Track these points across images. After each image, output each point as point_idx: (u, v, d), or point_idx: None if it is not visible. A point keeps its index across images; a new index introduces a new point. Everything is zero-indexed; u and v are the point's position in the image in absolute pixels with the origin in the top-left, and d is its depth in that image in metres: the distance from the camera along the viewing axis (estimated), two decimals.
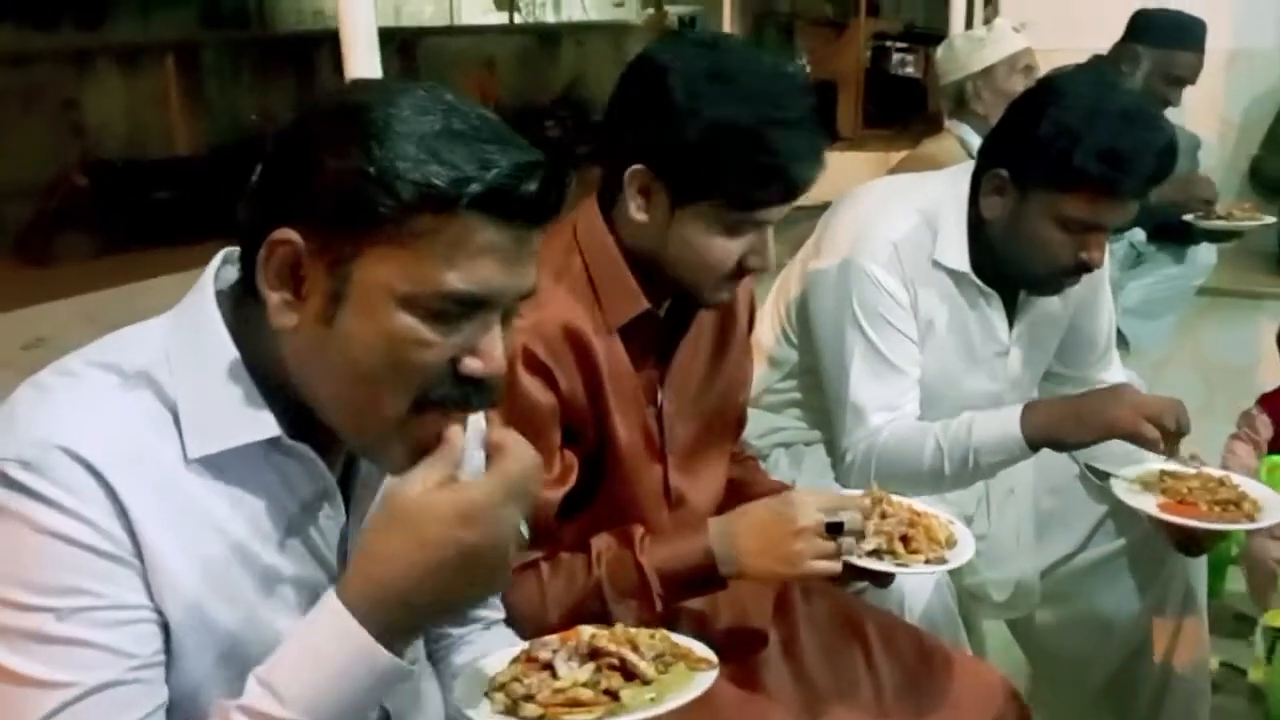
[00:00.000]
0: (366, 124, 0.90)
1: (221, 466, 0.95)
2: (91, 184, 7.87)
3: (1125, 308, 3.41)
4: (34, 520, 0.87)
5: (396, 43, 11.08)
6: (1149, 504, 1.69)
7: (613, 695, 1.06)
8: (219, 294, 0.99)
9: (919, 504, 1.51)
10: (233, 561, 0.96)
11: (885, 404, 1.86)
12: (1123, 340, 3.43)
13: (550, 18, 13.93)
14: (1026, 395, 2.03)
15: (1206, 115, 4.09)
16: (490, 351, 0.95)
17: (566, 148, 9.86)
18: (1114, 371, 2.18)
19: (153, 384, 0.94)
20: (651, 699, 1.06)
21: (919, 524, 1.43)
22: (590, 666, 1.09)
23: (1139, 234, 3.41)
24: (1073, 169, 1.71)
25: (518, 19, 13.24)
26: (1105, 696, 2.17)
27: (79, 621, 0.88)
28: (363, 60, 1.91)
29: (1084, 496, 2.11)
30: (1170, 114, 3.75)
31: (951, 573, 1.91)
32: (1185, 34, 3.29)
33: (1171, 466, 1.74)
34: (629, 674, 1.08)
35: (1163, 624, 2.04)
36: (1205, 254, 3.53)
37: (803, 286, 1.98)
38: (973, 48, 3.20)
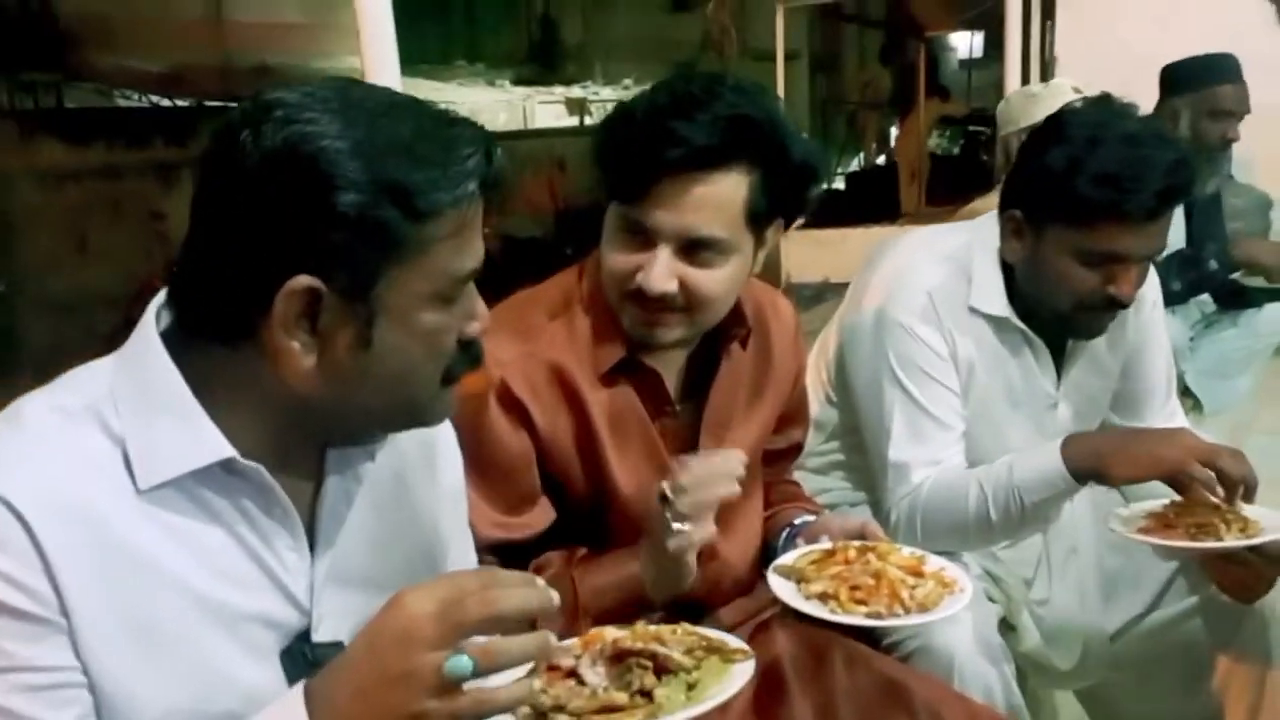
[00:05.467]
0: (331, 156, 0.88)
1: (172, 502, 0.93)
2: None
3: (1198, 369, 3.30)
4: None
5: None
6: (1129, 529, 1.63)
7: (647, 695, 1.01)
8: (163, 334, 0.97)
9: (944, 566, 1.42)
10: (181, 605, 0.92)
11: (928, 460, 1.79)
12: (1197, 403, 3.31)
13: None
14: None
15: (1277, 174, 3.98)
16: (482, 312, 1.01)
17: None
18: (1178, 425, 2.08)
19: (99, 420, 0.92)
20: (688, 697, 1.01)
21: (885, 578, 1.35)
22: (618, 669, 1.05)
23: (1204, 296, 3.32)
24: (1077, 199, 1.66)
25: (588, 121, 13.55)
26: None
27: None
28: None
29: (1150, 554, 1.99)
30: (1238, 173, 3.70)
31: (1009, 641, 1.83)
32: (1214, 70, 3.24)
33: (1178, 499, 1.66)
34: (659, 670, 1.04)
35: (1245, 684, 1.91)
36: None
37: (839, 342, 1.94)
38: (1026, 103, 3.19)
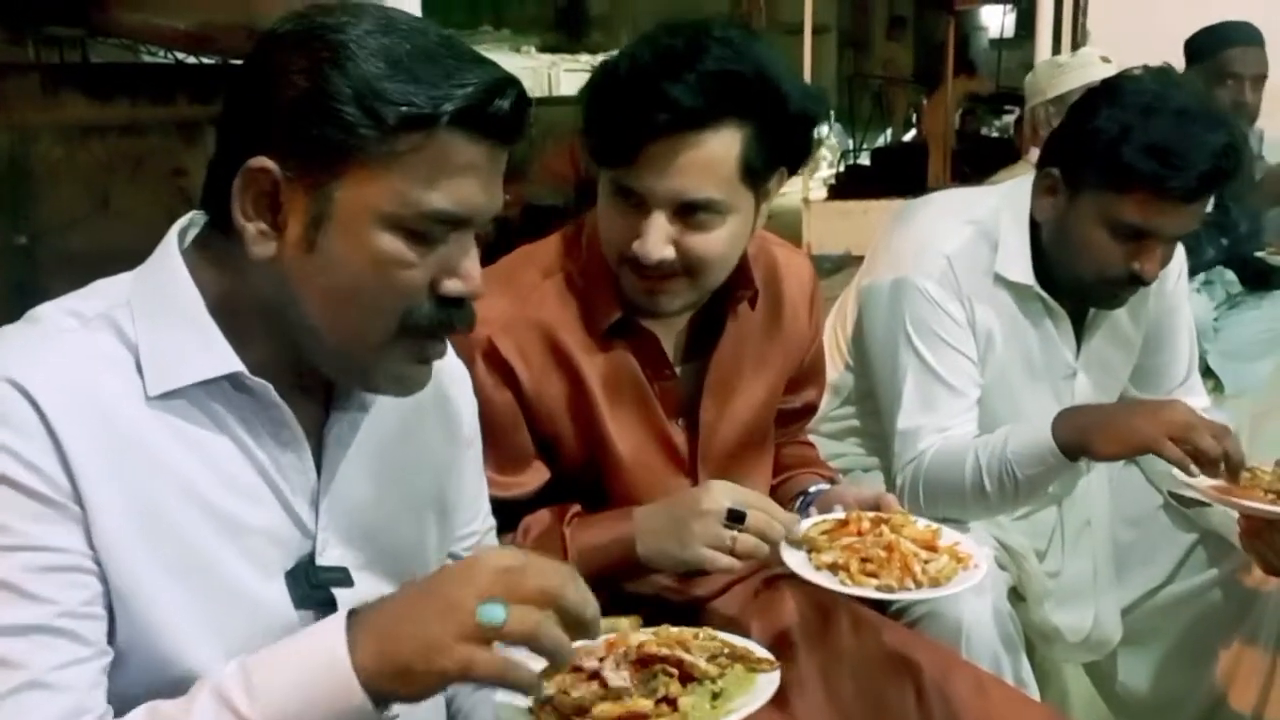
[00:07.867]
0: (335, 46, 0.90)
1: (182, 410, 0.94)
2: None
3: (1221, 350, 3.25)
4: None
5: None
6: (1202, 483, 1.60)
7: (670, 704, 0.99)
8: (184, 251, 0.98)
9: (959, 539, 1.39)
10: (189, 508, 0.93)
11: (936, 427, 1.77)
12: (1218, 384, 3.26)
13: None
14: None
15: None
16: (470, 272, 0.96)
17: None
18: (1197, 401, 2.05)
19: (114, 326, 0.94)
20: (712, 706, 1.00)
21: (898, 551, 1.32)
22: (642, 674, 1.03)
23: (1230, 275, 3.27)
24: (1122, 166, 1.63)
25: None
26: None
27: (3, 561, 0.85)
28: None
29: (1168, 527, 1.99)
30: (1270, 155, 3.64)
31: (1019, 611, 1.81)
32: (1228, 36, 3.24)
33: (1252, 463, 1.62)
34: (684, 678, 1.02)
35: (1256, 664, 1.89)
36: None
37: (857, 306, 1.92)
38: (1055, 73, 3.14)
